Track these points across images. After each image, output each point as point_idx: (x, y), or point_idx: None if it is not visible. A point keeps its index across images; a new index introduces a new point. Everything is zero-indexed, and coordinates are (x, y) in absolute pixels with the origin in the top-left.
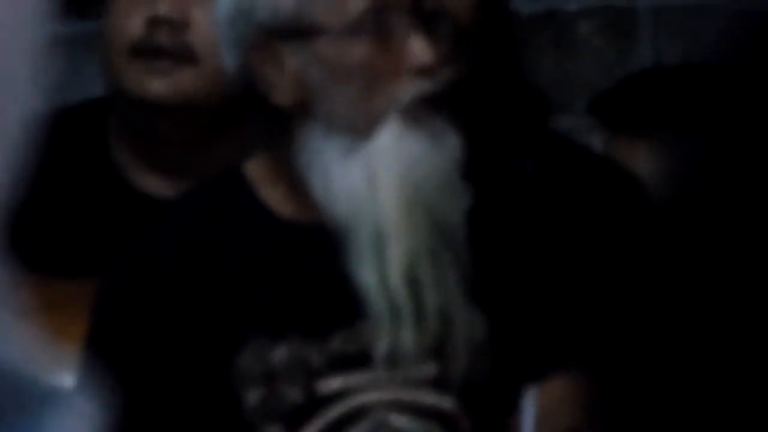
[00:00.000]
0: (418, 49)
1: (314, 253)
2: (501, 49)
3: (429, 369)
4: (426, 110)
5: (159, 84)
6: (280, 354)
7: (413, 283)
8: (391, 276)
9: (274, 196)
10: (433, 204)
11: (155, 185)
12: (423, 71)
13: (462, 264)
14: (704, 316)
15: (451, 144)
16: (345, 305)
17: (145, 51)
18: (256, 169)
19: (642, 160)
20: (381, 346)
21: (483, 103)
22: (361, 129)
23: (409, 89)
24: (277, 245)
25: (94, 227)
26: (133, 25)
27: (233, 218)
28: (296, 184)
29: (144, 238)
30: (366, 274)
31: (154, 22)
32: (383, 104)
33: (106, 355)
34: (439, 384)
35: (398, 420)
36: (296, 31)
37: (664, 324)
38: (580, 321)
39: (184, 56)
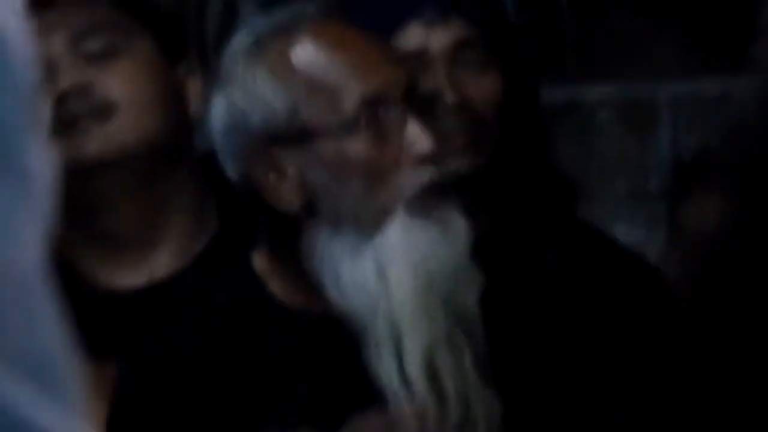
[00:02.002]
0: (416, 137)
1: (325, 344)
2: (528, 137)
3: None
4: (432, 198)
5: (91, 143)
6: None
7: (432, 371)
8: (410, 366)
9: (282, 289)
10: (446, 291)
11: (109, 276)
12: (424, 159)
13: (478, 346)
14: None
15: (460, 229)
16: (359, 394)
17: (64, 124)
18: (262, 263)
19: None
20: None
21: (507, 190)
22: (368, 224)
23: (412, 179)
24: (288, 336)
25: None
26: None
27: (244, 311)
28: (304, 278)
29: (156, 330)
30: (385, 366)
31: (62, 98)
32: (388, 197)
33: None
34: None
35: None
36: (292, 136)
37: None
38: (596, 402)
39: (104, 110)
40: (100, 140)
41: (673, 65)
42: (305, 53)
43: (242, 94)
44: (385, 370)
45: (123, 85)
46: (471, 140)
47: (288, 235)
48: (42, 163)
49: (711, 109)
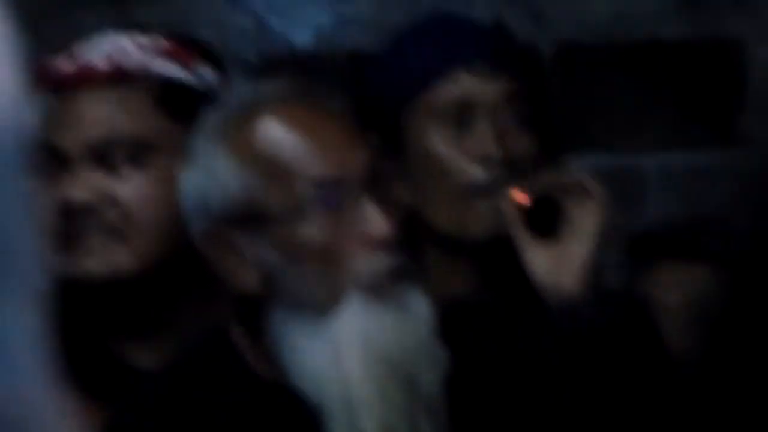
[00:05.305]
0: (373, 221)
1: (298, 416)
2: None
3: None
4: (388, 283)
5: (95, 264)
6: None
7: None
8: None
9: (255, 361)
10: (406, 372)
11: (136, 355)
12: (381, 244)
13: (439, 422)
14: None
15: (420, 310)
16: None
17: (68, 238)
18: (238, 336)
19: (684, 285)
20: None
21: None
22: (324, 307)
23: (369, 265)
24: (264, 407)
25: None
26: (50, 208)
27: (224, 384)
28: (273, 352)
29: (140, 410)
30: None
31: (69, 209)
32: (344, 282)
33: None
34: None
35: None
36: (249, 220)
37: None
38: None
39: (111, 235)
40: (105, 261)
41: (662, 138)
42: (263, 136)
43: (203, 175)
44: None
45: (140, 203)
46: None
47: (252, 316)
48: (27, 235)
49: (700, 180)
